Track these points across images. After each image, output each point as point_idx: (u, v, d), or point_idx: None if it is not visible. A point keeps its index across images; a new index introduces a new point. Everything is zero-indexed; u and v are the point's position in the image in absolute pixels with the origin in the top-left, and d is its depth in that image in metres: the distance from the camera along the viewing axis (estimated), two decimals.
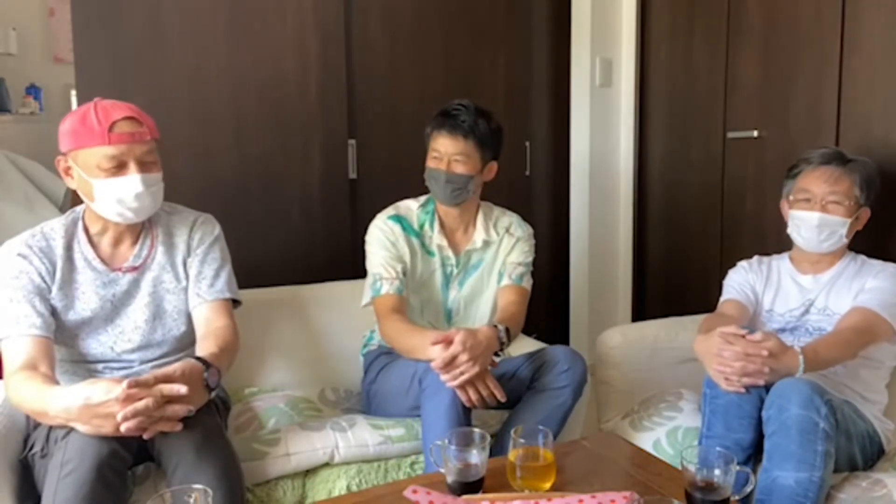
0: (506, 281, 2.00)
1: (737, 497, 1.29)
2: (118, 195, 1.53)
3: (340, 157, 2.55)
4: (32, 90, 4.47)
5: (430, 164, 1.93)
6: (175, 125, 2.29)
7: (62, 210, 3.49)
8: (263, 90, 2.41)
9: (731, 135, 2.65)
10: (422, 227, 1.98)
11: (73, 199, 3.62)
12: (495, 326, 1.75)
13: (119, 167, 1.52)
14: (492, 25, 2.80)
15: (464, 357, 1.62)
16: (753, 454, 1.59)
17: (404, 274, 1.92)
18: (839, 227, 1.79)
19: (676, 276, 3.00)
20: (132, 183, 1.53)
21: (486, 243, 2.01)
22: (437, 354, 1.62)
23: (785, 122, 2.43)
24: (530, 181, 3.02)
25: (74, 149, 1.52)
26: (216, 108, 2.36)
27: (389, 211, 2.00)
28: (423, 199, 2.03)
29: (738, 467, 1.26)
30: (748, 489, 1.32)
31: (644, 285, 3.19)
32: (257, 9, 2.38)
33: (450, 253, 1.99)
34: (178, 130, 2.30)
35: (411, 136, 2.64)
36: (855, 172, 1.79)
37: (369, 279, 1.95)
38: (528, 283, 2.02)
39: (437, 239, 1.97)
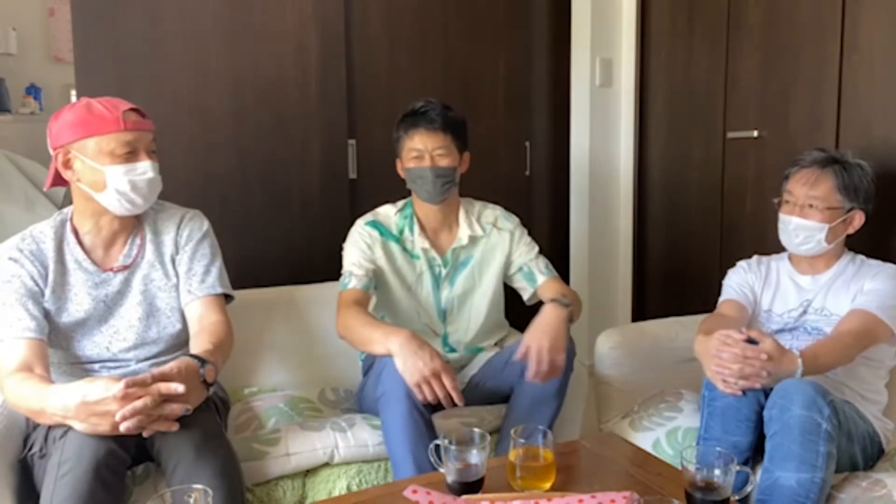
0: (540, 279, 2.00)
1: (736, 497, 1.29)
2: (132, 181, 1.55)
3: (340, 157, 2.55)
4: (32, 90, 4.48)
5: (411, 164, 1.91)
6: (175, 125, 2.29)
7: (61, 210, 3.49)
8: (263, 90, 2.41)
9: (731, 135, 2.65)
10: (401, 232, 1.97)
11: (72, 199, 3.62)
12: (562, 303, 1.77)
13: (131, 154, 1.55)
14: (492, 25, 2.80)
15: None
16: (751, 457, 1.59)
17: (375, 276, 1.93)
18: (816, 231, 1.76)
19: (676, 276, 3.00)
20: (144, 168, 1.56)
21: (473, 239, 2.00)
22: None
23: (785, 122, 2.43)
24: (530, 181, 3.02)
25: (82, 138, 1.53)
26: (216, 107, 2.36)
27: (368, 217, 2.00)
28: (400, 203, 2.02)
29: (738, 467, 1.26)
30: (748, 489, 1.33)
31: (644, 285, 3.19)
32: (257, 8, 2.38)
33: (435, 254, 1.98)
34: (178, 130, 2.31)
35: None
36: (837, 176, 1.75)
37: (341, 278, 1.94)
38: (551, 268, 2.04)
39: (419, 242, 1.96)
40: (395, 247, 1.96)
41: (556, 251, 3.21)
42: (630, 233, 3.18)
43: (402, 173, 1.97)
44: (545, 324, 1.72)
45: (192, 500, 1.11)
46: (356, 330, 1.79)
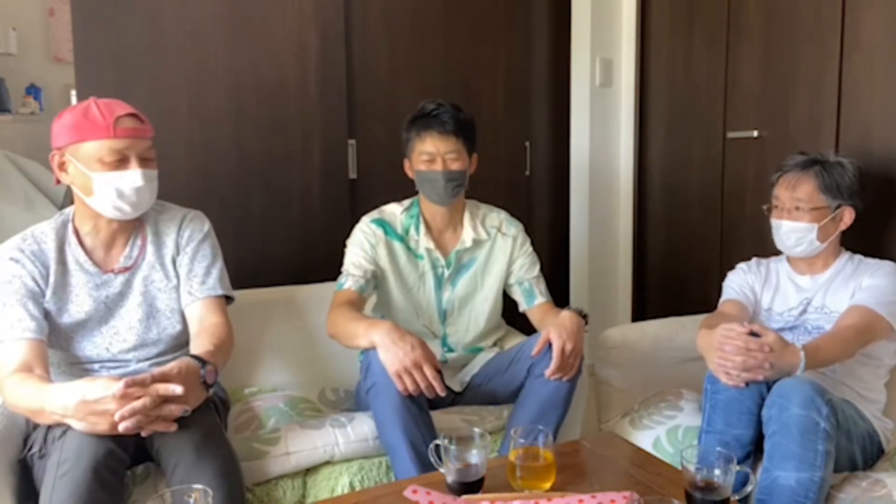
0: (539, 300, 2.02)
1: (736, 497, 1.29)
2: (119, 188, 1.54)
3: (340, 157, 2.55)
4: (32, 90, 4.47)
5: (422, 167, 1.90)
6: (175, 125, 2.29)
7: (61, 210, 3.49)
8: (263, 90, 2.41)
9: (731, 135, 2.65)
10: (406, 231, 1.97)
11: (73, 200, 3.62)
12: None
13: (121, 161, 1.54)
14: (492, 25, 2.80)
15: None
16: (753, 451, 1.59)
17: (374, 277, 1.93)
18: (806, 232, 1.79)
19: (676, 276, 3.00)
20: (133, 177, 1.55)
21: (477, 242, 2.00)
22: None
23: (785, 122, 2.43)
24: (530, 181, 3.02)
25: (75, 142, 1.52)
26: (216, 108, 2.36)
27: (374, 214, 2.00)
28: (406, 202, 2.02)
29: (738, 467, 1.26)
30: (748, 489, 1.33)
31: (644, 285, 3.19)
32: (257, 9, 2.38)
33: (439, 255, 1.98)
34: (178, 130, 2.31)
35: None
36: (818, 177, 1.79)
37: (339, 277, 1.95)
38: (548, 292, 2.06)
39: (423, 242, 1.96)
40: (398, 246, 1.96)
41: (556, 251, 3.21)
42: (630, 233, 3.18)
43: (409, 173, 1.97)
44: (567, 326, 1.74)
45: (192, 500, 1.11)
46: (341, 325, 1.80)
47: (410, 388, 1.62)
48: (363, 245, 1.94)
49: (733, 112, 2.64)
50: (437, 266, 1.99)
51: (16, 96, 4.39)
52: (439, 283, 1.99)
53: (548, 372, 1.70)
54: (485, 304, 2.02)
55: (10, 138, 3.85)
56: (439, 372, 1.65)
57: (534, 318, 2.03)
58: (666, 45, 2.96)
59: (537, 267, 2.06)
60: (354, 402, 2.02)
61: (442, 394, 1.64)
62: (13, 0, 4.43)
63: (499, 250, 2.03)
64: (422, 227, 1.97)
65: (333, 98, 2.51)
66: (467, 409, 1.89)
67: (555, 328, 1.72)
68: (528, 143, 2.98)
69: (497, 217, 2.06)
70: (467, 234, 1.99)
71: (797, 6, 2.36)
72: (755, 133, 2.53)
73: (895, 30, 2.08)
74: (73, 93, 3.98)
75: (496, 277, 2.02)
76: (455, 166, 1.89)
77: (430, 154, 1.89)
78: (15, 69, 4.39)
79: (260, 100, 2.41)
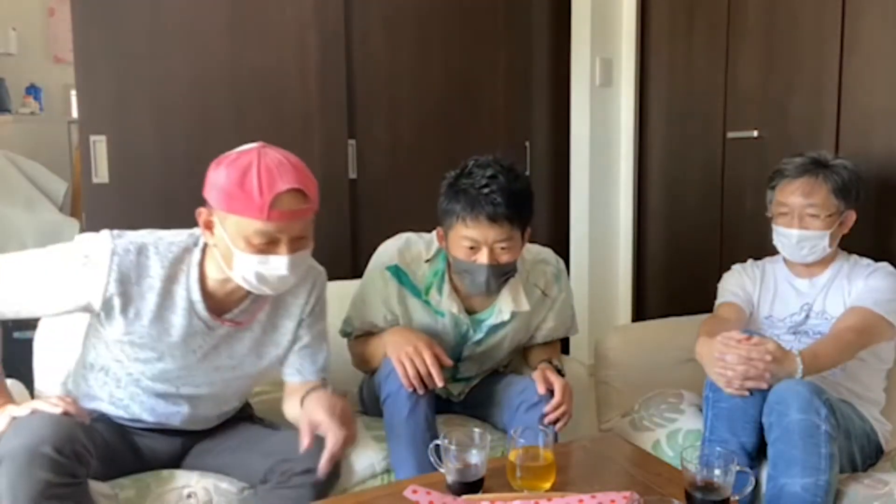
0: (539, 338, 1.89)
1: (737, 497, 1.29)
2: (259, 273, 1.36)
3: (340, 157, 2.55)
4: (32, 90, 4.48)
5: (460, 253, 1.60)
6: (174, 125, 2.29)
7: (62, 210, 3.49)
8: (263, 90, 2.41)
9: (731, 135, 2.65)
10: (428, 289, 1.71)
11: (74, 198, 3.61)
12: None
13: (270, 243, 1.34)
14: (492, 25, 2.80)
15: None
16: (757, 456, 1.58)
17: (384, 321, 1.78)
18: (819, 239, 1.76)
19: (676, 276, 3.00)
20: (278, 264, 1.35)
21: (515, 314, 1.73)
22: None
23: (785, 122, 2.43)
24: (530, 181, 3.02)
25: (225, 210, 1.34)
26: (216, 108, 2.36)
27: (392, 254, 1.73)
28: (433, 250, 1.73)
29: (738, 467, 1.26)
30: (748, 489, 1.33)
31: (644, 285, 3.18)
32: (257, 9, 2.38)
33: (465, 318, 1.73)
34: (178, 130, 2.30)
35: (411, 136, 2.65)
36: (829, 181, 1.75)
37: (349, 310, 1.84)
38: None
39: (446, 304, 1.70)
40: (415, 302, 1.73)
41: (556, 251, 3.20)
42: (630, 233, 3.18)
43: (441, 243, 1.69)
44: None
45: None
46: (361, 351, 1.80)
47: (410, 371, 1.57)
48: (374, 302, 1.75)
49: (733, 112, 2.64)
50: (460, 324, 1.74)
51: (16, 96, 4.39)
52: (462, 339, 1.77)
53: (548, 408, 1.63)
54: (501, 352, 1.86)
55: (10, 138, 3.86)
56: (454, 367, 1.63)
57: (532, 356, 1.91)
58: (666, 45, 2.96)
59: (564, 328, 1.90)
60: (357, 401, 2.01)
61: (440, 384, 1.59)
62: (13, 0, 4.43)
63: (536, 313, 1.80)
64: (446, 289, 1.69)
65: (333, 98, 2.51)
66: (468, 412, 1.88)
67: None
68: (527, 143, 2.98)
69: (544, 273, 1.81)
70: (504, 305, 1.71)
71: (797, 7, 2.36)
72: (755, 133, 2.53)
73: (895, 30, 2.08)
74: (73, 93, 3.98)
75: (526, 333, 1.86)
76: (505, 258, 1.59)
77: (475, 241, 1.57)
78: (15, 69, 4.39)
79: (260, 100, 2.41)
